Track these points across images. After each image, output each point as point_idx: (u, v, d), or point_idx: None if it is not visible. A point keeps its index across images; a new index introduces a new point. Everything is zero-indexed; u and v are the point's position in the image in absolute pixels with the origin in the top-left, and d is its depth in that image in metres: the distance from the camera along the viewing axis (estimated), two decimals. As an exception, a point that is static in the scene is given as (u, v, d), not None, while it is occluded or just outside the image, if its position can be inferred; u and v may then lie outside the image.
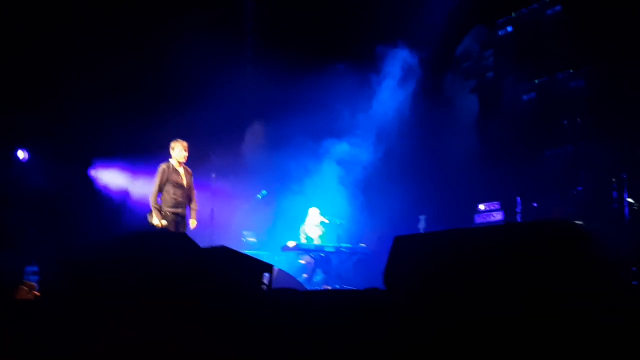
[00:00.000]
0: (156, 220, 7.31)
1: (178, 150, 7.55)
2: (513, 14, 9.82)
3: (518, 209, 8.02)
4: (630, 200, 6.61)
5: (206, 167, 9.35)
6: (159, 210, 7.35)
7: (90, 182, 9.57)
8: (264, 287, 3.84)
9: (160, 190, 7.43)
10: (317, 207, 9.64)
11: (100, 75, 9.24)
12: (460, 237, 3.13)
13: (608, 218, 6.90)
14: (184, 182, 7.55)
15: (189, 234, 4.40)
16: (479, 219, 8.63)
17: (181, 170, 7.60)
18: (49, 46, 8.97)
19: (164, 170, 7.43)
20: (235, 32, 11.10)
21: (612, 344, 2.24)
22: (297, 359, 2.38)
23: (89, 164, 9.54)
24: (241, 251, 7.70)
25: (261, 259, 6.51)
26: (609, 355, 2.20)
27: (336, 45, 10.46)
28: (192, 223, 7.65)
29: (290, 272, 8.24)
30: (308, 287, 6.46)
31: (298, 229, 9.64)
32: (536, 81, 9.26)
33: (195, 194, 7.78)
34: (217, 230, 8.14)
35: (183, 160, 7.58)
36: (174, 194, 7.42)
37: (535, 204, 7.80)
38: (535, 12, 9.44)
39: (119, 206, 9.77)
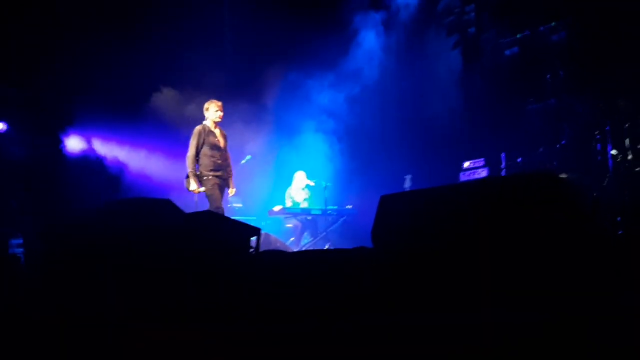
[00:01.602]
0: (193, 185, 6.97)
1: (213, 111, 7.22)
2: (493, -33, 9.69)
3: (503, 165, 8.04)
4: (613, 152, 6.64)
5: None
6: (197, 176, 7.01)
7: (69, 152, 9.42)
8: (252, 250, 3.83)
9: (197, 154, 7.06)
10: (302, 170, 9.61)
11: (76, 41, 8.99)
12: (444, 193, 3.13)
13: (592, 170, 6.94)
14: (221, 143, 7.23)
15: (178, 201, 4.38)
16: (464, 177, 8.63)
17: (217, 131, 7.25)
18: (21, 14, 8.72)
19: (199, 133, 7.08)
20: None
21: (594, 293, 2.26)
22: (287, 317, 2.38)
23: (65, 132, 9.36)
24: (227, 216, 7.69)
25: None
26: (592, 306, 2.22)
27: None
28: (231, 191, 7.38)
29: (278, 236, 8.26)
30: (296, 248, 6.48)
31: (284, 193, 9.63)
32: (518, 35, 9.18)
33: (230, 158, 7.45)
34: (202, 197, 8.06)
35: (218, 120, 7.25)
36: (213, 156, 7.08)
37: (519, 159, 7.82)
38: (515, -36, 9.32)
39: (104, 174, 9.67)
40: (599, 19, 7.63)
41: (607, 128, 6.68)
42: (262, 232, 6.92)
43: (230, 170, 7.36)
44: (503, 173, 8.03)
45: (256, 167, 9.73)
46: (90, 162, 9.47)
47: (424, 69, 10.10)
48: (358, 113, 10.58)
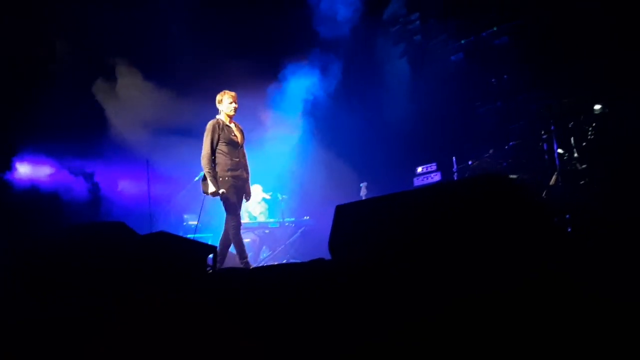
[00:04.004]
0: (212, 187, 6.15)
1: (227, 103, 6.43)
2: (435, -25, 9.91)
3: (454, 169, 8.18)
4: (560, 150, 6.83)
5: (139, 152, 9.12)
6: (215, 177, 6.22)
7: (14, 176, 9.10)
8: (209, 269, 3.78)
9: (213, 151, 6.28)
10: (258, 183, 9.57)
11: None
12: (398, 200, 3.15)
13: (541, 169, 7.11)
14: (239, 139, 6.43)
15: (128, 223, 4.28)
16: (417, 182, 8.75)
17: (232, 126, 6.48)
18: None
19: (214, 128, 6.28)
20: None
21: (546, 291, 2.31)
22: (245, 338, 2.35)
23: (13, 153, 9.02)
24: (182, 235, 7.56)
25: (204, 242, 6.42)
26: (544, 302, 2.26)
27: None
28: (247, 199, 6.62)
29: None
30: (254, 265, 6.41)
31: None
32: (462, 41, 9.40)
33: (246, 156, 6.64)
34: (156, 217, 7.88)
35: (233, 113, 6.45)
36: (230, 153, 6.28)
37: (470, 162, 7.97)
38: (458, -29, 9.55)
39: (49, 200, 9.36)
40: (540, 23, 7.87)
41: (553, 128, 6.86)
42: (219, 249, 6.84)
43: (247, 170, 6.59)
44: (455, 176, 8.16)
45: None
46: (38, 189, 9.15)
47: (374, 78, 10.21)
48: (311, 125, 10.62)
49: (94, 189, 9.49)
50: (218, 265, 6.33)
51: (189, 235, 9.05)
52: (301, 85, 10.56)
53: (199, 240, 8.49)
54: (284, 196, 9.28)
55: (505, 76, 8.46)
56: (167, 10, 10.28)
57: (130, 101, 9.75)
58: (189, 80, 9.86)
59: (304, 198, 10.15)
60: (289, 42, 10.36)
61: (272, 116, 10.54)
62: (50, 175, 9.29)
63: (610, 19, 6.77)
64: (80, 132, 9.12)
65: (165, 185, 9.48)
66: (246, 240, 9.21)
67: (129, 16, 9.54)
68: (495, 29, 8.85)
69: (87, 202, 9.40)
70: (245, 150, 6.60)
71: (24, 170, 8.97)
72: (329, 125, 10.46)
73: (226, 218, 6.33)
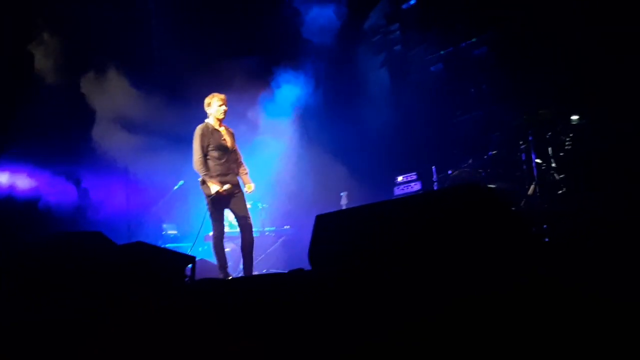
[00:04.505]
0: (214, 187, 6.09)
1: (216, 106, 6.31)
2: (415, -14, 9.99)
3: (434, 178, 8.22)
4: (538, 160, 6.89)
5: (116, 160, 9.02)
6: (212, 177, 6.15)
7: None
8: (186, 279, 3.74)
9: (204, 155, 6.23)
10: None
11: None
12: (378, 210, 3.15)
13: (519, 179, 7.18)
14: (228, 143, 6.32)
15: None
16: (398, 191, 8.79)
17: (222, 130, 6.37)
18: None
19: (202, 133, 6.19)
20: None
21: (527, 302, 2.31)
22: (221, 349, 2.32)
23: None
24: (160, 245, 7.48)
25: (183, 251, 6.36)
26: (526, 313, 2.27)
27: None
28: (249, 187, 6.48)
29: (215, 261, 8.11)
30: (234, 275, 6.35)
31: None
32: (442, 52, 9.48)
33: (241, 156, 6.61)
34: (134, 226, 7.78)
35: (223, 116, 6.35)
36: (219, 158, 6.22)
37: (450, 172, 8.01)
38: (437, -17, 9.64)
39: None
40: (518, 34, 7.96)
41: (530, 138, 6.93)
42: (198, 258, 6.78)
43: (244, 169, 6.56)
44: (435, 186, 8.20)
45: (189, 192, 9.56)
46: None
47: (354, 87, 10.25)
48: (292, 133, 10.59)
49: (71, 197, 9.33)
50: (222, 271, 6.31)
51: (167, 245, 8.97)
52: (283, 93, 10.55)
53: (181, 249, 8.45)
54: (264, 205, 9.24)
55: (484, 86, 8.55)
56: (150, 13, 10.26)
57: (111, 106, 9.64)
58: (172, 86, 9.80)
59: (284, 207, 10.11)
60: (273, 49, 10.35)
61: (255, 124, 10.49)
62: (26, 182, 9.14)
63: (588, 30, 6.87)
64: (58, 138, 8.98)
65: (144, 193, 9.38)
66: (226, 249, 9.14)
67: (113, 18, 9.47)
68: (474, 39, 8.95)
69: (63, 210, 9.25)
70: (239, 151, 6.55)
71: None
72: (309, 135, 10.45)
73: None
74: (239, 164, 6.51)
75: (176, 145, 9.36)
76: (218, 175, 6.19)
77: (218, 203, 6.22)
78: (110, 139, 9.41)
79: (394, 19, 10.27)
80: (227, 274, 6.28)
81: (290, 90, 10.48)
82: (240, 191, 6.41)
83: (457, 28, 9.04)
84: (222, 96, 6.39)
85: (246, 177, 6.53)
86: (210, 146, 6.21)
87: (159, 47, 10.25)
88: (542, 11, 7.35)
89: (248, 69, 10.01)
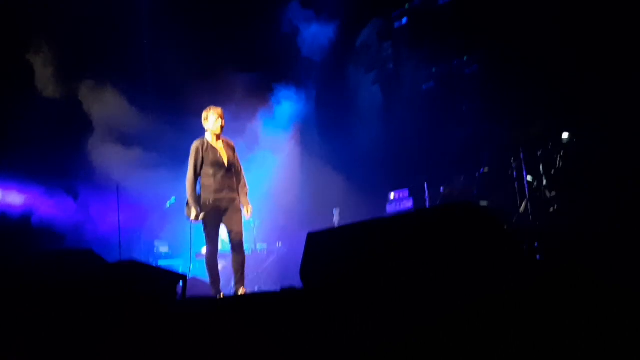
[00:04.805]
0: (193, 212, 5.97)
1: (212, 120, 6.12)
2: (407, 6, 10.09)
3: (426, 195, 8.24)
4: (529, 178, 6.93)
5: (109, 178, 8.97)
6: (196, 201, 5.99)
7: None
8: (177, 297, 3.71)
9: (197, 174, 6.04)
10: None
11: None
12: (369, 228, 3.14)
13: (510, 196, 7.20)
14: (224, 159, 6.10)
15: (97, 252, 4.19)
16: (390, 208, 8.81)
17: (219, 145, 6.17)
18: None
19: (197, 149, 6.02)
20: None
21: (520, 317, 2.31)
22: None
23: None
24: (151, 263, 7.41)
25: (174, 269, 6.31)
26: (517, 329, 2.26)
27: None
28: (247, 210, 6.26)
29: (207, 279, 8.06)
30: (225, 292, 6.30)
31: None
32: (434, 70, 9.56)
33: (243, 172, 6.37)
34: (126, 244, 7.72)
35: (219, 131, 6.14)
36: (214, 175, 6.01)
37: (442, 188, 8.04)
38: (428, 2, 9.75)
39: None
40: (509, 52, 8.04)
41: (522, 156, 6.97)
42: (190, 276, 6.74)
43: (244, 187, 6.33)
44: (427, 202, 8.22)
45: (182, 209, 9.52)
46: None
47: (346, 104, 10.29)
48: (285, 150, 10.61)
49: (62, 214, 9.27)
50: (214, 288, 6.16)
51: (159, 262, 8.93)
52: (279, 111, 10.57)
53: (172, 267, 8.40)
54: (256, 222, 9.21)
55: (475, 104, 8.61)
56: (143, 26, 10.27)
57: (106, 121, 9.62)
58: (167, 102, 9.80)
59: (276, 224, 10.09)
60: (270, 66, 10.39)
61: (249, 141, 10.51)
62: (16, 199, 9.07)
63: (577, 49, 6.95)
64: (49, 154, 8.93)
65: (136, 210, 9.33)
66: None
67: (110, 32, 9.47)
68: (465, 58, 9.03)
69: (54, 227, 9.18)
70: (240, 166, 6.37)
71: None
72: (302, 151, 10.47)
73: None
74: (239, 180, 6.30)
75: (169, 162, 9.35)
76: (212, 193, 6.01)
77: (211, 219, 6.07)
78: (102, 155, 9.39)
79: (386, 37, 10.37)
80: (219, 291, 6.22)
81: (285, 108, 10.52)
82: (236, 206, 6.20)
83: (448, 46, 9.13)
84: (219, 110, 6.21)
85: (245, 199, 6.32)
86: (205, 162, 6.06)
87: (155, 60, 10.24)
88: (531, 30, 7.43)
89: (245, 84, 10.06)
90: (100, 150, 9.43)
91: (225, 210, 6.11)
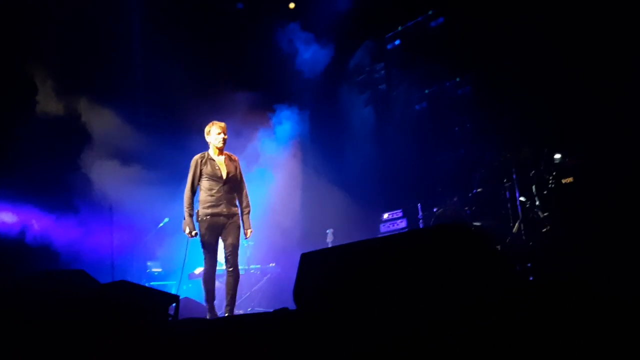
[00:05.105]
0: (187, 228, 5.94)
1: (214, 134, 6.08)
2: (400, 28, 10.20)
3: (420, 215, 8.25)
4: (522, 199, 6.95)
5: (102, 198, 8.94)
6: (191, 215, 5.94)
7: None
8: (170, 318, 3.70)
9: (194, 188, 6.01)
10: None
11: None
12: (363, 248, 3.15)
13: (503, 217, 7.21)
14: (223, 172, 6.03)
15: (90, 272, 4.17)
16: (384, 228, 8.83)
17: (220, 158, 6.12)
18: None
19: (196, 162, 6.02)
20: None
21: (510, 338, 2.31)
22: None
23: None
24: (144, 284, 7.37)
25: (167, 290, 6.28)
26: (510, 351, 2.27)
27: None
28: (247, 233, 6.21)
29: (200, 300, 8.02)
30: (219, 314, 6.25)
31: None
32: (426, 91, 9.65)
33: (246, 190, 6.27)
34: (118, 264, 7.68)
35: (222, 145, 6.09)
36: (210, 189, 5.95)
37: (435, 209, 8.05)
38: (421, 25, 9.86)
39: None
40: (501, 73, 8.13)
41: (514, 176, 7.00)
42: (183, 297, 6.70)
43: (246, 206, 6.23)
44: (420, 223, 8.23)
45: (175, 230, 9.49)
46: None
47: (340, 126, 10.34)
48: (279, 168, 10.62)
49: (54, 234, 9.20)
50: (228, 308, 6.05)
51: (152, 283, 8.87)
52: (274, 132, 10.61)
53: (165, 287, 8.35)
54: (250, 242, 9.18)
55: (468, 125, 8.67)
56: (140, 44, 10.31)
57: (100, 140, 9.60)
58: (161, 122, 9.81)
59: (270, 244, 10.06)
60: (265, 86, 10.44)
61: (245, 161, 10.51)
62: (10, 218, 9.01)
63: (570, 70, 7.03)
64: (41, 173, 8.89)
65: (129, 231, 9.29)
66: (210, 287, 9.03)
67: (104, 50, 9.50)
68: (458, 79, 9.12)
69: (48, 247, 9.12)
70: (244, 183, 6.30)
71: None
72: (296, 172, 10.48)
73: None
74: (240, 197, 6.23)
75: (164, 182, 9.33)
76: (208, 207, 5.94)
77: (208, 234, 5.97)
78: (97, 174, 9.37)
79: (379, 58, 10.46)
80: (212, 307, 6.14)
81: (280, 128, 10.55)
82: (235, 223, 6.11)
83: (441, 68, 9.22)
84: (222, 124, 6.17)
85: (246, 219, 6.23)
86: (203, 176, 6.00)
87: (153, 78, 10.26)
88: (523, 51, 7.51)
89: (240, 104, 10.08)
90: (95, 170, 9.41)
91: (223, 226, 6.03)
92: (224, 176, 6.03)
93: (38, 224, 9.05)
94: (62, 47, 9.05)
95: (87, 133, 9.40)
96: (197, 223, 6.04)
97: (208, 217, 5.94)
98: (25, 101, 8.96)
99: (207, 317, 6.08)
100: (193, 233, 5.96)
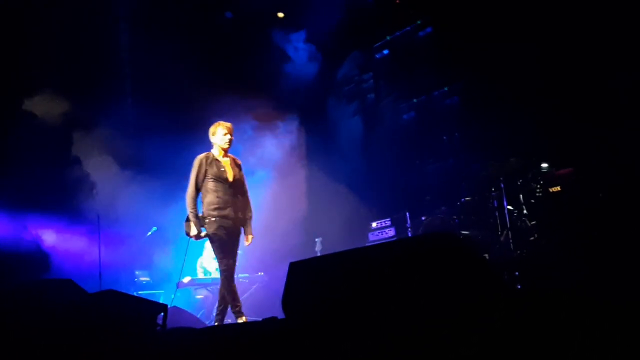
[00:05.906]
0: (194, 229, 5.67)
1: (220, 135, 5.89)
2: (388, 38, 10.26)
3: (408, 224, 8.28)
4: (510, 207, 6.99)
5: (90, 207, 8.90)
6: (197, 217, 5.68)
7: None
8: (158, 328, 3.68)
9: (198, 188, 5.74)
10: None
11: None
12: (351, 257, 3.16)
13: (491, 226, 7.25)
14: (229, 175, 5.81)
15: (77, 282, 4.14)
16: (372, 237, 8.85)
17: (225, 160, 5.91)
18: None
19: (200, 163, 5.75)
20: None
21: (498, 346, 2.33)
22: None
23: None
24: (132, 293, 7.32)
25: (155, 299, 6.24)
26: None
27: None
28: (247, 239, 5.99)
29: (188, 309, 7.98)
30: (207, 323, 6.22)
31: (195, 263, 9.36)
32: (414, 100, 9.71)
33: (248, 195, 6.07)
34: (106, 273, 7.62)
35: (228, 146, 5.90)
36: (217, 190, 5.70)
37: (423, 218, 8.08)
38: (409, 35, 9.92)
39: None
40: (489, 83, 8.20)
41: (502, 185, 7.04)
42: (171, 306, 6.67)
43: (248, 212, 6.01)
44: (409, 232, 8.25)
45: (163, 238, 9.45)
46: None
47: (328, 135, 10.36)
48: (268, 180, 10.61)
49: (41, 244, 9.12)
50: (219, 317, 5.79)
51: (140, 292, 8.81)
52: (260, 140, 10.60)
53: (152, 296, 8.29)
54: (239, 251, 9.15)
55: (456, 134, 8.72)
56: (125, 49, 10.30)
57: (87, 149, 9.55)
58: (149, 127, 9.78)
59: (258, 253, 10.03)
60: (249, 96, 10.44)
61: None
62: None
63: (558, 81, 7.11)
64: (28, 182, 8.82)
65: (117, 240, 9.23)
66: (199, 296, 9.00)
67: (96, 57, 9.48)
68: (445, 88, 9.18)
69: (33, 258, 9.02)
70: (246, 187, 6.09)
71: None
72: (286, 181, 10.47)
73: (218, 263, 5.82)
74: (243, 202, 5.99)
75: (152, 191, 9.29)
76: (216, 209, 5.68)
77: (219, 233, 5.69)
78: (85, 183, 9.32)
79: (367, 68, 10.51)
80: (240, 313, 5.75)
81: (268, 139, 10.55)
82: (237, 230, 5.92)
83: (429, 78, 9.28)
84: (229, 125, 5.98)
85: (249, 227, 6.02)
86: (208, 177, 5.75)
87: (139, 88, 10.26)
88: (511, 61, 7.58)
89: (227, 114, 10.04)
90: (83, 179, 9.36)
91: (230, 230, 5.81)
92: (230, 178, 5.82)
93: (26, 233, 8.97)
94: (57, 52, 9.05)
95: (74, 143, 9.36)
96: (203, 228, 5.78)
97: (216, 219, 5.68)
98: (15, 107, 8.92)
99: (237, 321, 5.73)
100: (202, 234, 5.72)
